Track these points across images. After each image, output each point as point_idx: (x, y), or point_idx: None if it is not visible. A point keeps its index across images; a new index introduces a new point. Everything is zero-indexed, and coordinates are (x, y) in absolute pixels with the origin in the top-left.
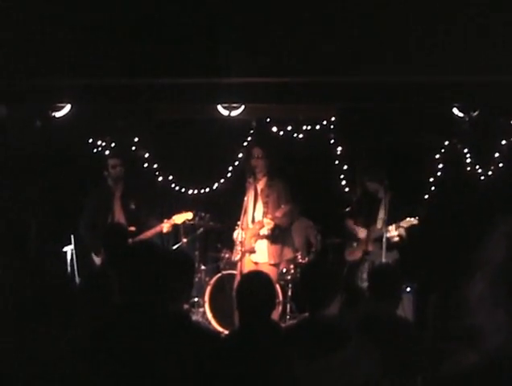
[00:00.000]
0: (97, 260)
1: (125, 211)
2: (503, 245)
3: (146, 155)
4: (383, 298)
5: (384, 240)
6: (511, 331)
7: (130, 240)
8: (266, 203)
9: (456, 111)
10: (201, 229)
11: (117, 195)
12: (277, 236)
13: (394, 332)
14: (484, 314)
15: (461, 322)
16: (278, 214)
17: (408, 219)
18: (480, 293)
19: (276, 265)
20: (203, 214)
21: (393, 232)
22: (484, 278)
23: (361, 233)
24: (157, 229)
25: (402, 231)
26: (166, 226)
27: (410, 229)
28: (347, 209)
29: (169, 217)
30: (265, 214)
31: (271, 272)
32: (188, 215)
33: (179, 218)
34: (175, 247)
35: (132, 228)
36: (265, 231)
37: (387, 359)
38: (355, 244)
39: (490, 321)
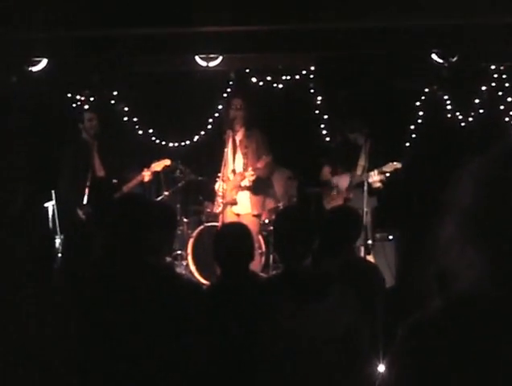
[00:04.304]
0: (81, 214)
1: (104, 165)
2: (470, 186)
3: (126, 109)
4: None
5: (365, 186)
6: (481, 267)
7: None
8: (245, 155)
9: (435, 57)
10: (183, 182)
11: (95, 149)
12: (259, 187)
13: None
14: (454, 253)
15: (434, 264)
16: (259, 165)
17: (391, 163)
18: (450, 234)
19: (258, 216)
20: (183, 166)
21: (375, 178)
22: (453, 219)
23: (338, 182)
24: (138, 179)
25: (384, 176)
26: (147, 174)
27: (393, 174)
28: (324, 157)
29: (148, 166)
30: (245, 165)
31: (254, 223)
32: (166, 162)
33: (158, 165)
34: (157, 199)
35: (114, 181)
36: (246, 182)
37: (365, 305)
38: (335, 192)
39: (461, 258)
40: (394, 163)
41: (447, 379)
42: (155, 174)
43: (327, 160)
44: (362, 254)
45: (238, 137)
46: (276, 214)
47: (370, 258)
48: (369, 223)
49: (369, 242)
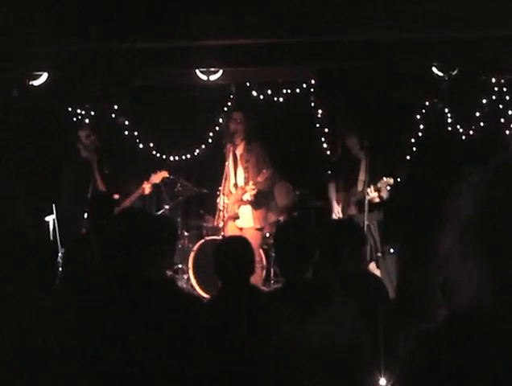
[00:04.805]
0: (83, 228)
1: (104, 180)
2: (470, 198)
3: (126, 123)
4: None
5: (366, 202)
6: (482, 280)
7: (116, 208)
8: (246, 169)
9: (435, 70)
10: (183, 195)
11: (95, 164)
12: (260, 201)
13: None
14: (455, 265)
15: (435, 277)
16: (260, 179)
17: (384, 179)
18: (450, 246)
19: (261, 230)
20: (184, 180)
21: (372, 194)
22: (453, 231)
23: (333, 205)
24: (139, 192)
25: (381, 192)
26: (147, 187)
27: (389, 189)
28: (328, 172)
29: (147, 179)
30: (246, 179)
31: (257, 236)
32: (164, 174)
33: (157, 177)
34: (158, 213)
35: (116, 196)
36: (248, 196)
37: (366, 315)
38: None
39: (461, 271)
40: (387, 179)
41: None
42: (155, 186)
43: (330, 176)
44: (372, 267)
45: (239, 151)
46: (277, 227)
47: (376, 271)
48: (377, 237)
49: (379, 255)
